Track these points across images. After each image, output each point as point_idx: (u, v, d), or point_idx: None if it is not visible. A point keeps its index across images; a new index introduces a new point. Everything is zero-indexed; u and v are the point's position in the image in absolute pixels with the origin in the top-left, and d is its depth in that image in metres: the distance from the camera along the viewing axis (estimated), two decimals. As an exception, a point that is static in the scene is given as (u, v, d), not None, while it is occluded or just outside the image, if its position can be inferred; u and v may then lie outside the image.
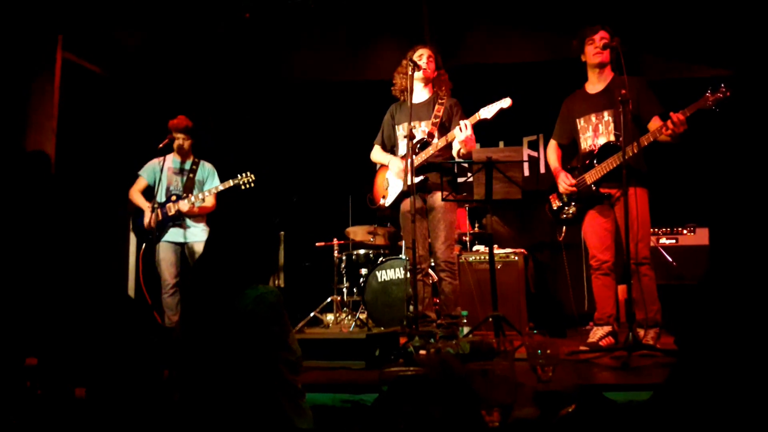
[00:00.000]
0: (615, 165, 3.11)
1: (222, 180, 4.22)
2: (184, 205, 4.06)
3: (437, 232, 3.64)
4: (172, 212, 4.08)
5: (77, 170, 4.55)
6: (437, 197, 3.61)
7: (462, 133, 3.41)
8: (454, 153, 3.65)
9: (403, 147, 3.75)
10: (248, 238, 1.92)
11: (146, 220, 4.01)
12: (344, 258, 5.28)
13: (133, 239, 5.01)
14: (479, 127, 3.55)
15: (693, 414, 1.24)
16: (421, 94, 3.81)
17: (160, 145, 4.08)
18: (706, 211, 4.60)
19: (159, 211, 4.06)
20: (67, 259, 2.35)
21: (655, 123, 3.12)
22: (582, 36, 3.32)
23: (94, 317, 2.25)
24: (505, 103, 3.43)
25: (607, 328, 3.22)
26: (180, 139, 4.14)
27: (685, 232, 4.47)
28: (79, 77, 4.69)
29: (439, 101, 3.68)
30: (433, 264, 3.92)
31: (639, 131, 3.13)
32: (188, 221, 4.12)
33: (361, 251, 5.24)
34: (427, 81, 3.75)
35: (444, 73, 3.79)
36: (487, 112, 3.46)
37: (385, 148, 3.95)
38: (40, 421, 2.07)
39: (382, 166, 3.92)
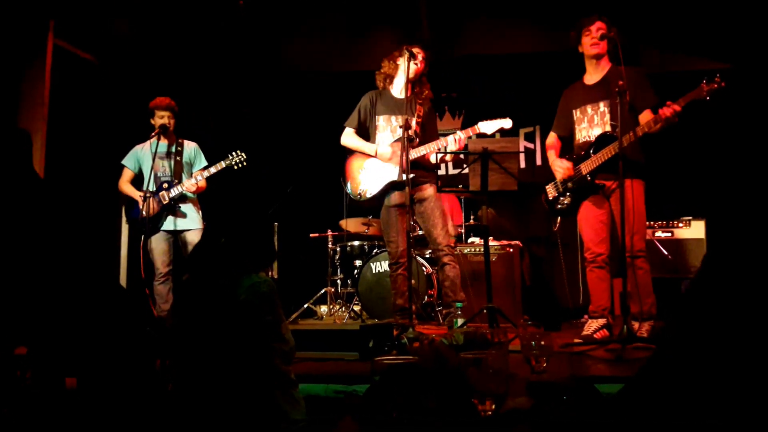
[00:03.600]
0: (610, 155, 3.09)
1: (211, 162, 4.14)
2: (190, 186, 3.99)
3: (434, 220, 3.66)
4: (166, 201, 3.99)
5: (68, 158, 4.51)
6: (426, 189, 3.65)
7: (455, 144, 3.50)
8: (433, 158, 3.68)
9: (382, 138, 3.76)
10: (247, 226, 1.91)
11: (143, 211, 3.93)
12: (338, 249, 5.27)
13: (125, 228, 4.98)
14: (477, 118, 3.56)
15: (665, 403, 1.23)
16: (401, 90, 3.79)
17: (152, 134, 4.02)
18: (702, 204, 4.60)
19: (152, 200, 3.99)
20: (58, 248, 2.31)
21: (646, 116, 3.11)
22: (579, 26, 3.30)
23: (85, 307, 2.22)
24: (507, 123, 3.55)
25: (602, 321, 3.22)
26: (165, 118, 4.03)
27: (680, 225, 4.47)
28: (71, 65, 4.64)
29: (419, 102, 3.70)
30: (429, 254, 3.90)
31: (635, 121, 3.11)
32: (183, 208, 4.06)
33: (356, 243, 5.23)
34: (411, 80, 3.68)
35: (426, 81, 3.79)
36: (487, 127, 3.55)
37: (358, 134, 3.89)
38: (31, 411, 2.05)
39: (357, 152, 3.86)
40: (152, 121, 4.09)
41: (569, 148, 3.47)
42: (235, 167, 4.04)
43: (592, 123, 3.29)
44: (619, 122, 2.90)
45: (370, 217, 5.23)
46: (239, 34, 5.21)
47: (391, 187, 3.71)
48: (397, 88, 3.79)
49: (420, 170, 3.65)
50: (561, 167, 3.33)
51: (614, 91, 2.90)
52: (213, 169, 4.04)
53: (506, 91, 3.57)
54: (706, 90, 2.84)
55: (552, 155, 3.48)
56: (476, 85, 5.59)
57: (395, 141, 3.69)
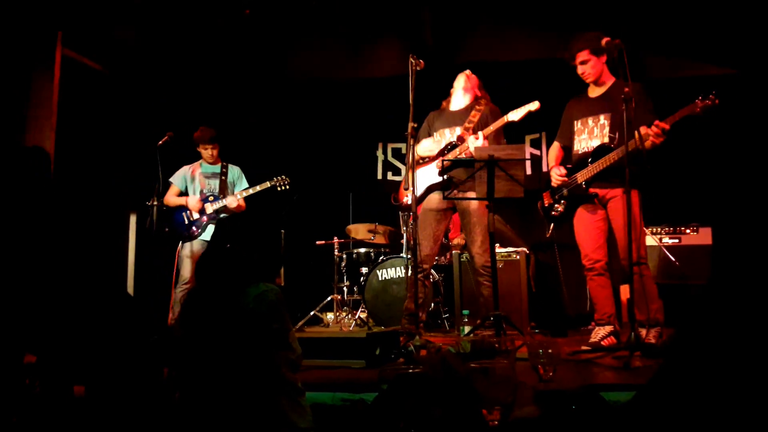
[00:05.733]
0: (607, 165, 3.10)
1: (251, 183, 4.41)
2: (232, 201, 4.24)
3: (473, 236, 3.64)
4: (209, 211, 4.25)
5: (77, 167, 4.54)
6: (471, 201, 3.56)
7: (476, 141, 3.45)
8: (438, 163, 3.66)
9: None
10: (254, 235, 1.92)
11: (191, 213, 4.24)
12: (344, 256, 5.27)
13: (132, 237, 5.02)
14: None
15: (676, 414, 1.22)
16: (461, 100, 3.83)
17: (160, 143, 4.11)
18: (709, 211, 4.58)
19: (197, 207, 4.25)
20: (66, 256, 2.33)
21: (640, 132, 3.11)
22: (568, 56, 3.32)
23: (93, 315, 2.23)
24: (533, 106, 3.45)
25: (609, 328, 3.21)
26: (209, 149, 4.35)
27: (688, 231, 4.44)
28: (79, 74, 4.68)
29: (477, 107, 3.70)
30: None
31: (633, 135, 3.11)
32: None
33: (362, 250, 5.23)
34: (467, 89, 3.80)
35: (485, 93, 3.85)
36: (515, 115, 3.50)
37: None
38: (39, 419, 2.06)
39: (410, 169, 3.91)
40: (198, 149, 4.38)
41: (570, 158, 3.48)
42: (279, 189, 4.36)
43: (591, 135, 3.31)
44: (624, 127, 2.88)
45: (377, 224, 5.23)
46: (246, 42, 5.24)
47: (429, 189, 3.70)
48: (457, 100, 3.83)
49: (461, 170, 3.52)
50: (556, 174, 3.35)
51: (617, 103, 2.91)
52: (258, 187, 4.32)
53: (511, 98, 3.56)
54: (700, 106, 2.82)
55: (554, 165, 3.49)
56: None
57: (443, 145, 3.70)
